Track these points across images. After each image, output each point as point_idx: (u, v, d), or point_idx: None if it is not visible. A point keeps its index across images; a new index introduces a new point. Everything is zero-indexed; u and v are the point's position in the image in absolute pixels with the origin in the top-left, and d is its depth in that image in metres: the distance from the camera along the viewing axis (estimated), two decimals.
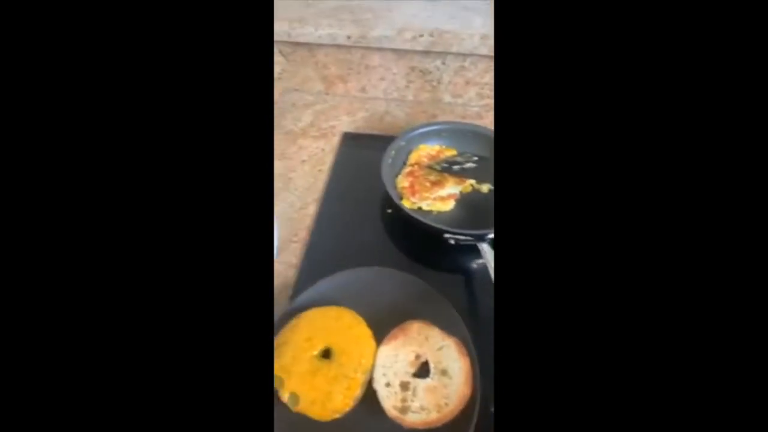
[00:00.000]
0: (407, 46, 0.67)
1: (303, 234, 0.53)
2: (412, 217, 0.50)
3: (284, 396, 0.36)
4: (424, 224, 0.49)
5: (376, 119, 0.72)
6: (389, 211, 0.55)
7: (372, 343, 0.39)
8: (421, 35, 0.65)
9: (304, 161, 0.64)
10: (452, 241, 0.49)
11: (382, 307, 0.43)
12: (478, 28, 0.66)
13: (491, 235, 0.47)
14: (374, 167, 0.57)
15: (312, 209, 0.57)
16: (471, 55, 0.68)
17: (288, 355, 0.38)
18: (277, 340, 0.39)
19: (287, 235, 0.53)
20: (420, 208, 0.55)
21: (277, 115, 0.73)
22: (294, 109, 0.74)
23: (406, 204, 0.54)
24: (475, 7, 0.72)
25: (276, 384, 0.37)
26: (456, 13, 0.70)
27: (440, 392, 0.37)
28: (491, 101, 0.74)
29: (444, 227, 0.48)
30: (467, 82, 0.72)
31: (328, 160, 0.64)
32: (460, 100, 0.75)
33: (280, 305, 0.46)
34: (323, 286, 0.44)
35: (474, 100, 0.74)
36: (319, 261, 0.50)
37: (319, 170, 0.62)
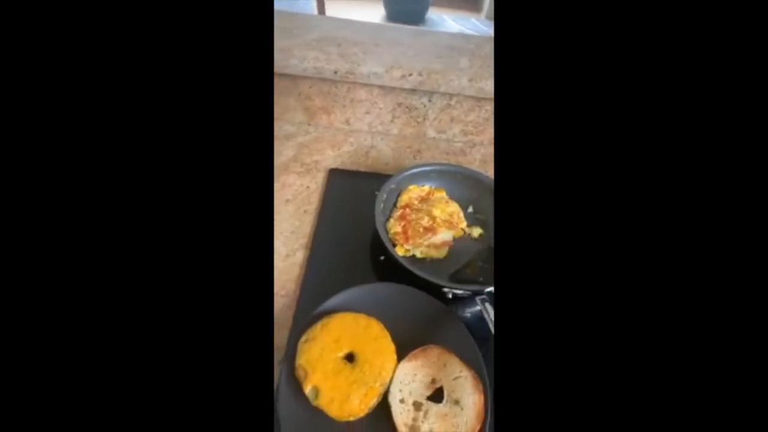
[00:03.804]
0: (395, 84, 0.66)
1: (291, 286, 0.50)
2: (407, 269, 0.48)
3: (306, 388, 0.39)
4: (422, 278, 0.48)
5: (361, 154, 0.70)
6: (382, 258, 0.53)
7: (394, 357, 0.41)
8: (410, 74, 0.65)
9: (288, 201, 0.61)
10: (450, 295, 0.48)
11: (407, 324, 0.44)
12: (464, 68, 0.67)
13: (488, 289, 0.47)
14: (363, 209, 0.56)
15: (299, 256, 0.53)
16: (457, 94, 0.68)
17: (316, 351, 0.40)
18: (307, 335, 0.41)
19: (274, 289, 0.50)
20: (414, 256, 0.53)
21: None
22: (275, 141, 0.70)
23: (400, 251, 0.52)
24: (459, 46, 0.73)
25: (300, 375, 0.39)
26: (442, 52, 0.70)
27: (450, 421, 0.38)
28: (475, 138, 0.75)
29: (441, 282, 0.47)
30: (452, 119, 0.73)
31: (314, 199, 0.61)
32: (444, 136, 0.75)
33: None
34: (357, 293, 0.46)
35: (458, 136, 0.75)
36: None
37: (305, 211, 0.59)
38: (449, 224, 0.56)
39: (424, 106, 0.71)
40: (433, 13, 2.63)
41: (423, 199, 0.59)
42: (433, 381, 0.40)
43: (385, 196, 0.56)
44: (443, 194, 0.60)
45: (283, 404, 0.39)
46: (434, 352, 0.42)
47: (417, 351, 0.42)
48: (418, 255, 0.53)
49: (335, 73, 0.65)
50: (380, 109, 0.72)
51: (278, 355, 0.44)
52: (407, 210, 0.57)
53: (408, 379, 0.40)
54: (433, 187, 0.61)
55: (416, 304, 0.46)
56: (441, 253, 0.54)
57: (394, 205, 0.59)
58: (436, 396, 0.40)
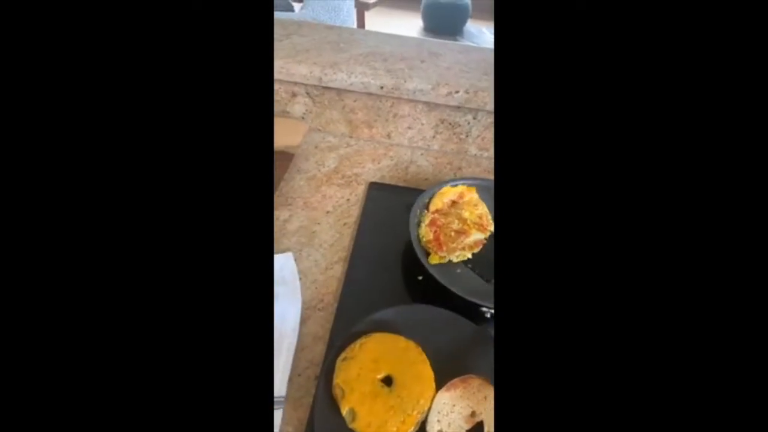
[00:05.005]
0: (441, 101, 0.66)
1: (329, 300, 0.50)
2: (445, 288, 0.47)
3: (343, 409, 0.38)
4: (459, 297, 0.46)
5: (401, 168, 0.70)
6: (420, 278, 0.53)
7: (432, 385, 0.40)
8: (457, 91, 0.64)
9: (328, 212, 0.61)
10: (488, 315, 0.46)
11: (447, 351, 0.43)
12: None
13: None
14: (401, 223, 0.56)
15: (338, 270, 0.54)
16: None
17: (354, 370, 0.40)
18: (346, 353, 0.41)
19: (313, 301, 0.50)
20: (450, 261, 0.52)
21: (299, 157, 0.70)
22: (317, 152, 0.72)
23: (434, 260, 0.51)
24: None
25: (337, 394, 0.39)
26: (489, 69, 0.69)
27: None
28: None
29: (479, 301, 0.46)
30: None
31: (354, 212, 0.61)
32: (486, 154, 0.74)
33: (303, 386, 0.43)
34: (395, 313, 0.45)
35: None
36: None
37: (344, 224, 0.60)
38: (479, 226, 0.55)
39: (468, 123, 0.70)
40: (472, 26, 2.61)
41: (454, 203, 0.58)
42: (473, 414, 0.39)
43: (418, 211, 0.56)
44: (474, 194, 0.59)
45: (319, 423, 0.38)
46: (474, 383, 0.40)
47: (456, 380, 0.40)
48: (454, 260, 0.52)
49: (381, 88, 0.65)
50: (422, 124, 0.71)
51: (314, 371, 0.44)
52: (437, 215, 0.56)
53: (447, 410, 0.39)
54: (465, 185, 0.60)
55: (457, 330, 0.45)
56: (474, 251, 0.53)
57: (426, 208, 0.58)
58: (476, 430, 0.38)
